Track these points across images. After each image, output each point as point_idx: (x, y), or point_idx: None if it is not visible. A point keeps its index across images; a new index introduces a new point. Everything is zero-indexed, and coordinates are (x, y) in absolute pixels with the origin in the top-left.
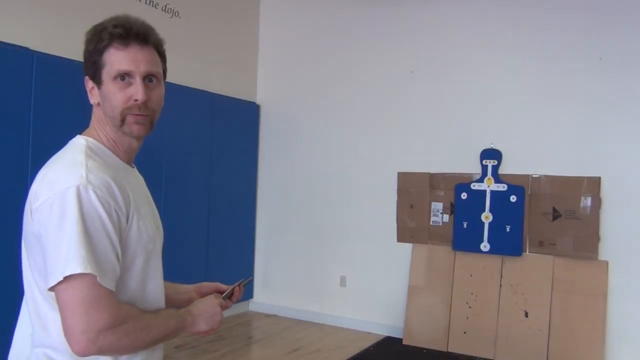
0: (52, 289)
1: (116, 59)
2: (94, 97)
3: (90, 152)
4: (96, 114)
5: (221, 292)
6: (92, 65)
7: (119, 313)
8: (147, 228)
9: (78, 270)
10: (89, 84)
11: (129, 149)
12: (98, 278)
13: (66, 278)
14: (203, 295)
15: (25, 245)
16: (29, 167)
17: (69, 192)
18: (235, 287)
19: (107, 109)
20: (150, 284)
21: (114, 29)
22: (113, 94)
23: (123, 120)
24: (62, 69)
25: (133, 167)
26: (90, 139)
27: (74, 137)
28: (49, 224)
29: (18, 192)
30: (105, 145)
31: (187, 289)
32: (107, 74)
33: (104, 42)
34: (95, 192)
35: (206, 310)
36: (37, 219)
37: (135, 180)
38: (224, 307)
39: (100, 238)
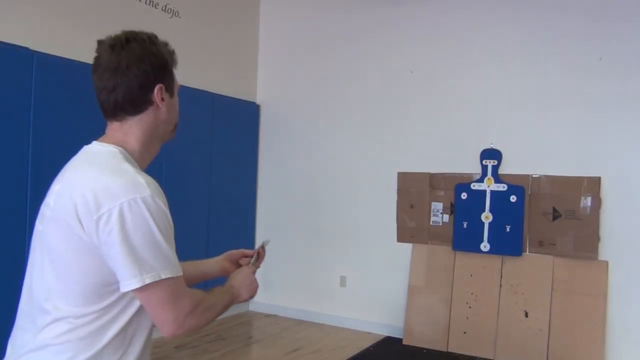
0: (134, 290)
1: (175, 77)
2: (165, 104)
3: (129, 161)
4: (149, 119)
5: (247, 257)
6: (171, 77)
7: (195, 297)
8: None
9: (169, 275)
10: (162, 91)
11: (154, 156)
12: (179, 271)
13: (149, 285)
14: (233, 261)
15: (57, 253)
16: (29, 167)
17: (139, 201)
18: (258, 250)
19: (172, 118)
20: None
21: (172, 48)
22: (176, 105)
23: (175, 127)
24: (62, 69)
25: None
26: (119, 148)
27: (72, 137)
28: (123, 231)
29: (18, 192)
30: (132, 154)
31: (218, 259)
32: (176, 88)
33: (174, 60)
34: (159, 198)
35: (244, 280)
36: (100, 228)
37: None
38: (254, 272)
39: (170, 237)
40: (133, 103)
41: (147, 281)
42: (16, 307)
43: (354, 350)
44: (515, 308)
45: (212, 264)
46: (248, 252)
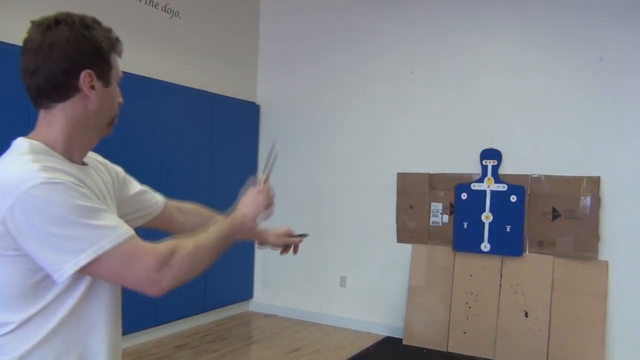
0: (81, 270)
1: (117, 63)
2: (95, 94)
3: (37, 152)
4: (75, 109)
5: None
6: (103, 63)
7: (159, 250)
8: None
9: (104, 249)
10: (90, 79)
11: (88, 149)
12: (121, 235)
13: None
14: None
15: None
16: None
17: (33, 192)
18: (269, 168)
19: (106, 110)
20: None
21: (115, 35)
22: (115, 96)
23: (113, 121)
24: None
25: (86, 165)
26: (34, 141)
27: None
28: (31, 227)
29: None
30: (53, 146)
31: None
32: (114, 76)
33: (113, 45)
34: (60, 176)
35: (246, 199)
36: (12, 230)
37: (93, 179)
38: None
39: (89, 210)
40: (56, 89)
41: (82, 263)
42: None
43: (354, 350)
44: (515, 308)
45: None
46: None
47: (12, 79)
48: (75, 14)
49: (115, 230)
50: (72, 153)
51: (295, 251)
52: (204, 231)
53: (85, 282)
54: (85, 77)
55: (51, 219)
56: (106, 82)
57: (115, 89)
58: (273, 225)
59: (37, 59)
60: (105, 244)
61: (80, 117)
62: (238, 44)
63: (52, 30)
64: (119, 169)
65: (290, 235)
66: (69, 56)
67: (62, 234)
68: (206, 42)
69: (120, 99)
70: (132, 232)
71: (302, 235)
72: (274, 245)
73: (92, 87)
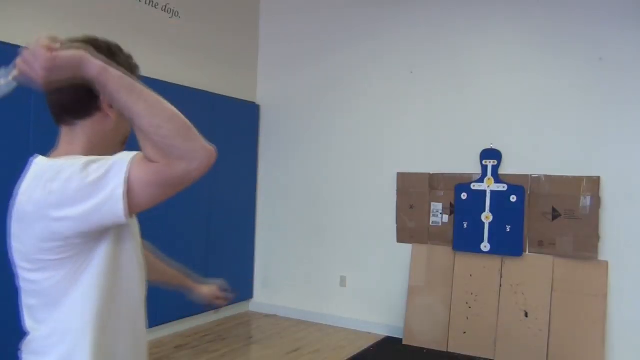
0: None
1: None
2: (111, 114)
3: None
4: (96, 126)
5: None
6: None
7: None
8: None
9: (123, 176)
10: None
11: None
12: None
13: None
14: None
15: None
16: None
17: (73, 161)
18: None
19: (121, 128)
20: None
21: (134, 60)
22: None
23: (125, 140)
24: None
25: None
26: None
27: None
28: (70, 179)
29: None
30: None
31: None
32: None
33: (133, 71)
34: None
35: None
36: (59, 189)
37: None
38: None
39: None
40: (79, 107)
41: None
42: (17, 308)
43: (354, 350)
44: (515, 308)
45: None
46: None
47: None
48: (102, 39)
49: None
50: None
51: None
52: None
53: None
54: (105, 98)
55: (87, 170)
56: None
57: None
58: (274, 218)
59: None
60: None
61: (99, 135)
62: (238, 44)
63: None
64: None
65: (217, 295)
66: None
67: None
68: (206, 42)
69: None
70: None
71: (226, 297)
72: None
73: (111, 107)
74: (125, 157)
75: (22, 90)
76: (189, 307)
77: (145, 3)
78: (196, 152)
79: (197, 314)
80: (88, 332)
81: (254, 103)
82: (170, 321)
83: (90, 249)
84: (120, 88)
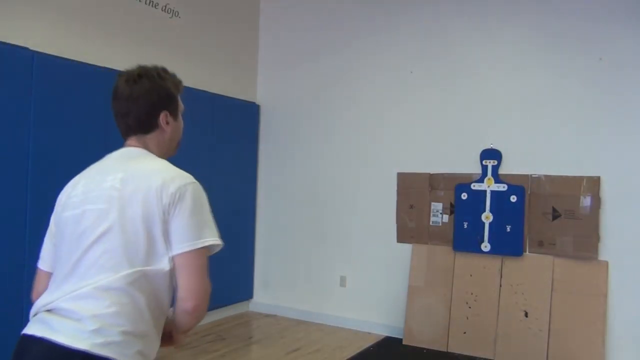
0: (181, 254)
1: (181, 102)
2: (169, 126)
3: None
4: (158, 138)
5: None
6: (175, 104)
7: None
8: None
9: (218, 242)
10: (167, 117)
11: None
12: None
13: (201, 248)
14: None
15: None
16: (29, 167)
17: (198, 185)
18: None
19: (176, 136)
20: None
21: (179, 79)
22: (181, 126)
23: (179, 144)
24: (62, 69)
25: None
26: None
27: (72, 137)
28: (192, 204)
29: (18, 192)
30: None
31: None
32: (180, 111)
33: (178, 88)
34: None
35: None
36: (172, 201)
37: None
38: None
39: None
40: (142, 125)
41: (207, 243)
42: (19, 305)
43: (354, 350)
44: (515, 308)
45: None
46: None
47: (11, 78)
48: (151, 67)
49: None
50: None
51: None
52: None
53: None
54: (163, 117)
55: (204, 207)
56: (176, 116)
57: (181, 120)
58: (274, 218)
59: (128, 106)
60: (218, 240)
61: (162, 144)
62: (238, 44)
63: (137, 84)
64: None
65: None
66: (151, 103)
67: (207, 219)
68: (206, 42)
69: (181, 126)
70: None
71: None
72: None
73: (167, 123)
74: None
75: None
76: None
77: (145, 3)
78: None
79: None
80: None
81: (254, 103)
82: None
83: None
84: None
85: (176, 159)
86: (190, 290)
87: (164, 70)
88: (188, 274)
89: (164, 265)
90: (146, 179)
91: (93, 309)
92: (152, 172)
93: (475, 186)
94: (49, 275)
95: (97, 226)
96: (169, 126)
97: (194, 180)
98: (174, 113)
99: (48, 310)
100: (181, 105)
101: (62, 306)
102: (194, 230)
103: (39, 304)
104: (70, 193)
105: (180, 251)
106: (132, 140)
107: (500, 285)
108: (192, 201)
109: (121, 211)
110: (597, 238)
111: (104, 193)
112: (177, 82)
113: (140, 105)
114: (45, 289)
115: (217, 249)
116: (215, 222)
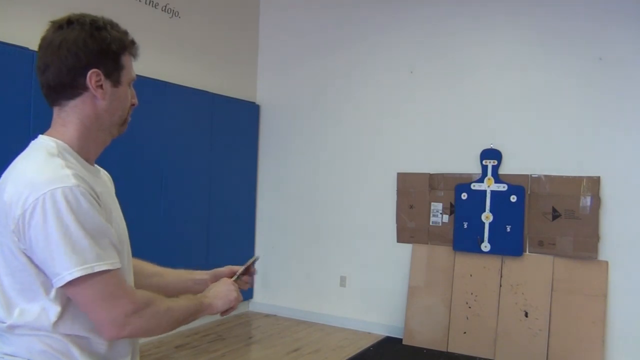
0: (64, 286)
1: (130, 65)
2: (102, 94)
3: (62, 153)
4: (84, 107)
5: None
6: (112, 63)
7: (140, 298)
8: (119, 230)
9: (103, 268)
10: (99, 77)
11: (101, 149)
12: (111, 267)
13: (82, 277)
14: (219, 278)
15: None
16: None
17: (57, 194)
18: (247, 265)
19: (116, 109)
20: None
21: (129, 37)
22: (126, 97)
23: (125, 121)
24: None
25: (96, 167)
26: (59, 141)
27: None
28: (45, 226)
29: None
30: (71, 146)
31: (203, 276)
32: (125, 77)
33: (126, 45)
34: (79, 189)
35: (220, 291)
36: (27, 223)
37: (102, 182)
38: (241, 287)
39: (99, 229)
40: (64, 86)
41: (77, 274)
42: None
43: (354, 350)
44: (515, 308)
45: (197, 277)
46: (235, 268)
47: (11, 78)
48: (91, 15)
49: (113, 257)
50: (88, 153)
51: (246, 277)
52: (176, 299)
53: None
54: (91, 76)
55: (68, 224)
56: (115, 82)
57: (125, 89)
58: (274, 218)
59: (47, 57)
60: (102, 265)
61: (91, 116)
62: (238, 44)
63: (64, 29)
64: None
65: (233, 272)
66: (75, 54)
67: (72, 240)
68: (206, 42)
69: (134, 100)
70: (120, 265)
71: (253, 262)
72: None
73: (100, 87)
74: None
75: (22, 90)
76: None
77: (145, 3)
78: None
79: None
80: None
81: (254, 103)
82: None
83: None
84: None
85: (176, 159)
86: (95, 323)
87: (110, 22)
88: (82, 307)
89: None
90: (5, 190)
91: None
92: (13, 178)
93: (475, 186)
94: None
95: None
96: (104, 92)
97: (59, 184)
98: (112, 75)
99: None
100: (129, 71)
101: None
102: (58, 258)
103: None
104: None
105: (59, 284)
106: (54, 114)
107: (500, 285)
108: (43, 219)
109: None
110: (597, 238)
111: None
112: (124, 40)
113: (62, 56)
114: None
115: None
116: (91, 241)
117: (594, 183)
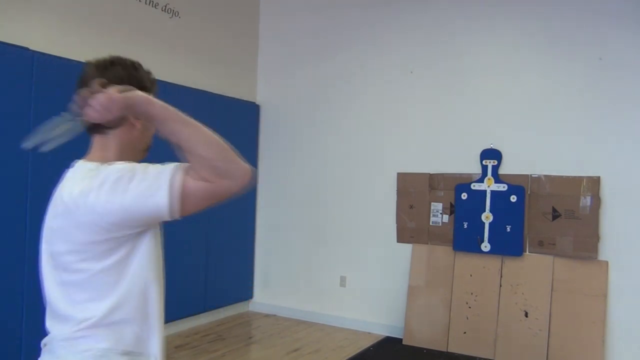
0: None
1: None
2: (137, 125)
3: None
4: (123, 136)
5: None
6: None
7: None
8: None
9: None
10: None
11: None
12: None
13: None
14: None
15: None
16: (29, 167)
17: (125, 164)
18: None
19: (146, 138)
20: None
21: (154, 77)
22: (153, 130)
23: (148, 148)
24: (62, 69)
25: None
26: (99, 163)
27: (75, 138)
28: (131, 171)
29: (18, 191)
30: None
31: None
32: None
33: (153, 85)
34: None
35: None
36: (107, 187)
37: None
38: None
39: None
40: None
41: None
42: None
43: (354, 350)
44: (515, 308)
45: None
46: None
47: (11, 78)
48: (125, 57)
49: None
50: None
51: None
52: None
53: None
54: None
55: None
56: None
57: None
58: (274, 218)
59: None
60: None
61: (128, 143)
62: (238, 44)
63: (109, 71)
64: None
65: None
66: None
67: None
68: (206, 42)
69: (154, 129)
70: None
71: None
72: None
73: (137, 119)
74: (174, 166)
75: (22, 90)
76: (189, 307)
77: (145, 3)
78: (237, 172)
79: (197, 313)
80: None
81: (254, 103)
82: (170, 321)
83: (133, 244)
84: (176, 122)
85: (176, 159)
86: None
87: (140, 64)
88: (198, 192)
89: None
90: (80, 184)
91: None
92: (88, 177)
93: (475, 186)
94: None
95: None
96: (139, 123)
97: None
98: None
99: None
100: None
101: None
102: (149, 187)
103: None
104: None
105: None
106: (94, 140)
107: (500, 285)
108: (122, 176)
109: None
110: (597, 238)
111: (60, 209)
112: (152, 79)
113: None
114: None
115: None
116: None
117: (594, 183)
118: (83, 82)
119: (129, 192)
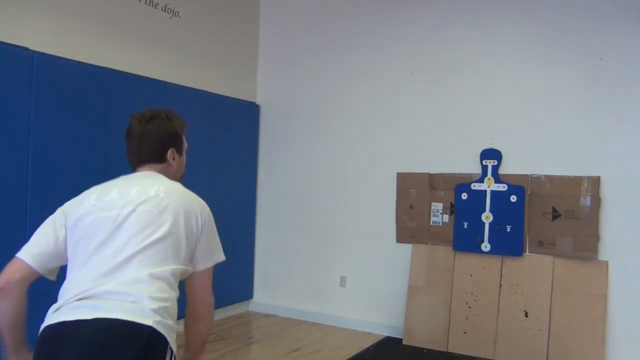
0: (201, 271)
1: (185, 140)
2: (175, 162)
3: None
4: (165, 171)
5: None
6: (181, 142)
7: None
8: None
9: (224, 257)
10: (173, 153)
11: None
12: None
13: (213, 265)
14: None
15: (183, 240)
16: (29, 167)
17: (210, 213)
18: None
19: (180, 170)
20: None
21: (185, 121)
22: (184, 161)
23: (182, 177)
24: (62, 69)
25: None
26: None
27: (72, 137)
28: (212, 229)
29: (18, 192)
30: None
31: None
32: (184, 149)
33: (184, 128)
34: None
35: None
36: (203, 225)
37: None
38: None
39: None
40: (154, 159)
41: (218, 260)
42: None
43: (354, 350)
44: (515, 308)
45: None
46: None
47: (11, 78)
48: (161, 110)
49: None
50: None
51: None
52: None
53: None
54: (170, 154)
55: (216, 230)
56: (181, 153)
57: (184, 156)
58: (274, 218)
59: (141, 143)
60: (223, 255)
61: (168, 175)
62: (238, 44)
63: (149, 124)
64: None
65: None
66: (161, 141)
67: (218, 240)
68: (206, 42)
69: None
70: None
71: None
72: None
73: (174, 159)
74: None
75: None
76: None
77: (145, 3)
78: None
79: None
80: None
81: (254, 103)
82: None
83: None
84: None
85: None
86: (206, 302)
87: (172, 112)
88: (204, 286)
89: (190, 269)
90: (185, 199)
91: (150, 292)
92: (186, 194)
93: (475, 186)
94: (27, 269)
95: (150, 225)
96: (175, 161)
97: (207, 207)
98: (179, 150)
99: (86, 297)
100: (186, 144)
101: (113, 290)
102: (212, 251)
103: (69, 294)
104: (101, 198)
105: (202, 268)
106: (144, 167)
107: (500, 285)
108: (212, 226)
109: (175, 218)
110: (597, 238)
111: (151, 198)
112: (182, 123)
113: (151, 142)
114: (18, 278)
115: None
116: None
117: (594, 183)
118: (129, 133)
119: None
